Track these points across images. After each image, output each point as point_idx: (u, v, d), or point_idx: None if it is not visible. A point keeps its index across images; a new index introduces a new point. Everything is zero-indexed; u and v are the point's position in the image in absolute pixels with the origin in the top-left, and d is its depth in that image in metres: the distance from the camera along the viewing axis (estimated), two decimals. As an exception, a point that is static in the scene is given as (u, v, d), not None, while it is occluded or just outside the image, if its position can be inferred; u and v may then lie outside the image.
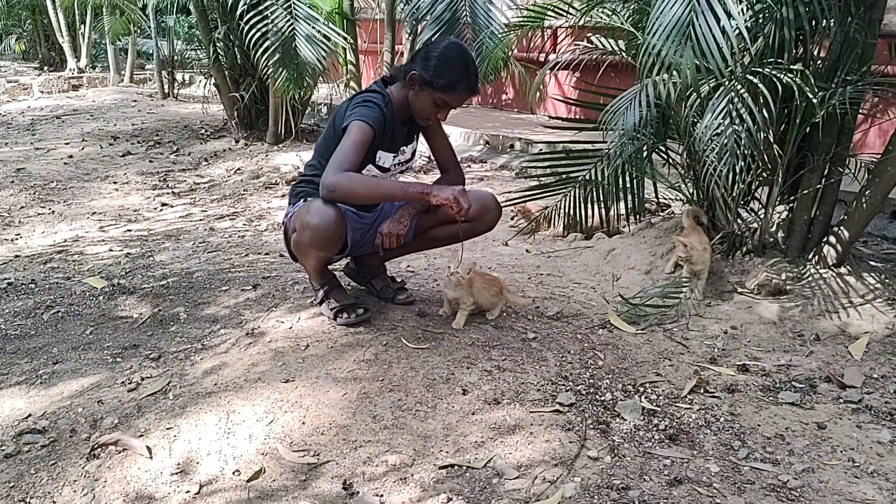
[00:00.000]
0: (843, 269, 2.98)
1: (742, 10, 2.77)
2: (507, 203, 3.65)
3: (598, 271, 3.43)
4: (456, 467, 1.93)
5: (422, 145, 2.85)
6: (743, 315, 2.88)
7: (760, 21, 2.88)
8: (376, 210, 2.80)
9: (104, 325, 2.85)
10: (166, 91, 9.82)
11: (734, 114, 2.69)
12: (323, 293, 2.77)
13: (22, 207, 5.07)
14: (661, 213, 4.05)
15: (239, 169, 6.09)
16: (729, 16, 2.46)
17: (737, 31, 2.52)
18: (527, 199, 3.70)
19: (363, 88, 2.72)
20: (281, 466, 1.94)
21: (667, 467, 1.94)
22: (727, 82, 2.71)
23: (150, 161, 6.50)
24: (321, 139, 2.72)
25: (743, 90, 2.72)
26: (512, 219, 4.09)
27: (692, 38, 2.46)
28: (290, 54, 5.59)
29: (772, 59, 2.81)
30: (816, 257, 3.03)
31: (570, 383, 2.38)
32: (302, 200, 2.67)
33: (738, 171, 2.72)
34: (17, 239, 4.32)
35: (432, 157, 2.90)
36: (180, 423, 2.13)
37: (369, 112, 2.49)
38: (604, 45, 3.56)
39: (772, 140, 2.91)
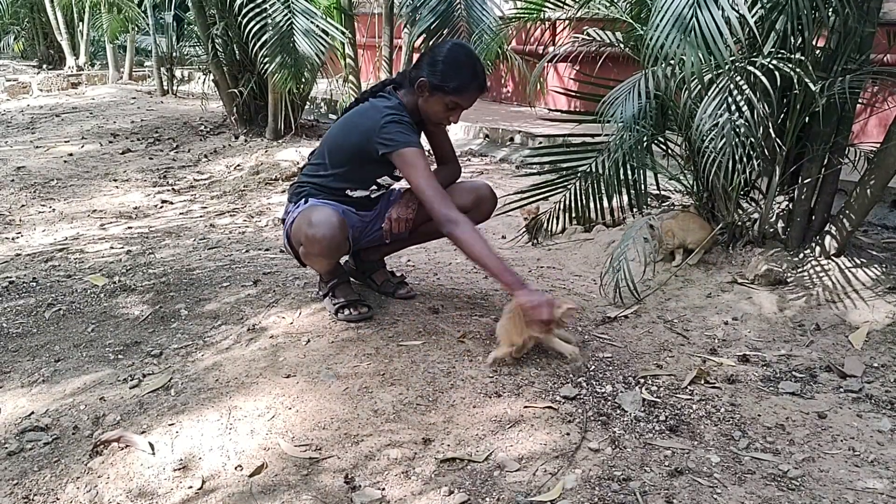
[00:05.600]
0: (843, 259, 2.97)
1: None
2: (511, 204, 3.64)
3: (599, 263, 3.43)
4: (457, 461, 1.94)
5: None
6: (743, 306, 2.89)
7: (762, 13, 2.87)
8: (376, 208, 2.81)
9: (105, 323, 2.85)
10: (165, 88, 9.80)
11: (732, 104, 2.69)
12: (329, 287, 2.77)
13: (22, 206, 5.07)
14: (662, 205, 4.04)
15: (239, 165, 6.09)
16: (734, 7, 2.45)
17: (746, 24, 2.51)
18: (530, 199, 3.69)
19: (375, 90, 2.70)
20: (283, 461, 1.95)
21: (667, 458, 1.95)
22: (726, 72, 2.70)
23: (150, 158, 6.50)
24: (331, 141, 2.69)
25: (741, 80, 2.72)
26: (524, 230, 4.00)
27: (695, 30, 2.45)
28: (289, 49, 5.58)
29: (771, 49, 2.80)
30: (817, 247, 3.02)
31: (571, 375, 2.38)
32: (303, 201, 2.68)
33: (737, 161, 2.72)
34: (17, 238, 4.33)
35: (431, 151, 2.91)
36: (182, 419, 2.14)
37: (412, 135, 2.52)
38: (602, 38, 3.55)
39: (771, 130, 2.90)
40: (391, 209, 2.74)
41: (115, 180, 5.83)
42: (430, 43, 5.09)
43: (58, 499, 1.87)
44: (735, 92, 2.70)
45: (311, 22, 5.67)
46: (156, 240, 4.14)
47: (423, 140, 2.84)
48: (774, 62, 2.69)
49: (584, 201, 3.52)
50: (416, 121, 2.64)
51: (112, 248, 3.97)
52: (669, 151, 3.43)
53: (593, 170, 3.44)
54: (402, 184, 2.85)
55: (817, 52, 2.93)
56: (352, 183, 2.69)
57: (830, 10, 2.71)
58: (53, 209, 5.01)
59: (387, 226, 2.73)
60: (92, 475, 1.93)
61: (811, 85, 2.63)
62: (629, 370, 2.44)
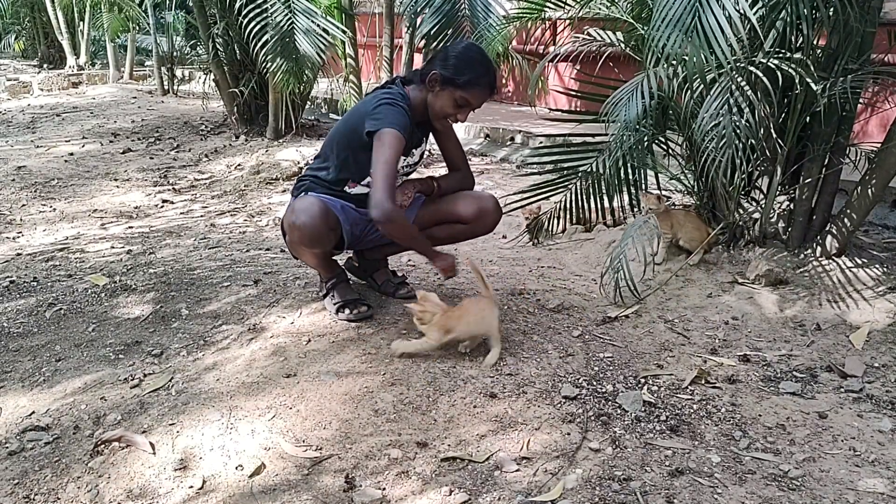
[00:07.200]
0: (844, 259, 2.97)
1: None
2: (511, 204, 3.64)
3: (599, 263, 3.42)
4: (458, 460, 1.94)
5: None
6: (744, 305, 2.88)
7: (763, 12, 2.86)
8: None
9: (106, 323, 2.85)
10: (166, 87, 9.80)
11: (734, 104, 2.68)
12: (328, 287, 2.77)
13: (23, 205, 5.07)
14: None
15: (239, 165, 6.09)
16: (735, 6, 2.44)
17: (748, 23, 2.50)
18: (531, 198, 3.69)
19: (384, 84, 2.69)
20: (283, 461, 1.95)
21: (668, 458, 1.95)
22: (727, 72, 2.70)
23: (151, 158, 6.50)
24: (333, 132, 2.70)
25: (742, 80, 2.72)
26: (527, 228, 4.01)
27: (697, 30, 2.45)
28: (290, 49, 5.59)
29: (772, 49, 2.80)
30: (817, 247, 3.02)
31: (572, 375, 2.38)
32: (302, 194, 2.68)
33: (737, 161, 2.71)
34: (18, 237, 4.33)
35: (441, 156, 2.90)
36: (183, 419, 2.14)
37: (400, 118, 2.48)
38: (602, 38, 3.55)
39: (772, 130, 2.90)
40: None
41: (116, 180, 5.83)
42: (434, 43, 5.10)
43: (58, 498, 1.87)
44: (736, 92, 2.70)
45: (312, 21, 5.68)
46: (156, 239, 4.14)
47: (432, 141, 2.84)
48: (775, 62, 2.69)
49: (584, 201, 3.52)
50: (422, 120, 2.63)
51: (113, 247, 3.97)
52: (670, 151, 3.43)
53: (594, 169, 3.44)
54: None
55: (818, 51, 2.93)
56: (348, 173, 2.67)
57: (831, 9, 2.71)
58: (54, 209, 5.01)
59: None
60: (93, 475, 1.93)
61: (812, 85, 2.63)
62: (630, 370, 2.44)
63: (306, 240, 2.57)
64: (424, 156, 2.89)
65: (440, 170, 2.97)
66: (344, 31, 6.40)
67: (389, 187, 2.38)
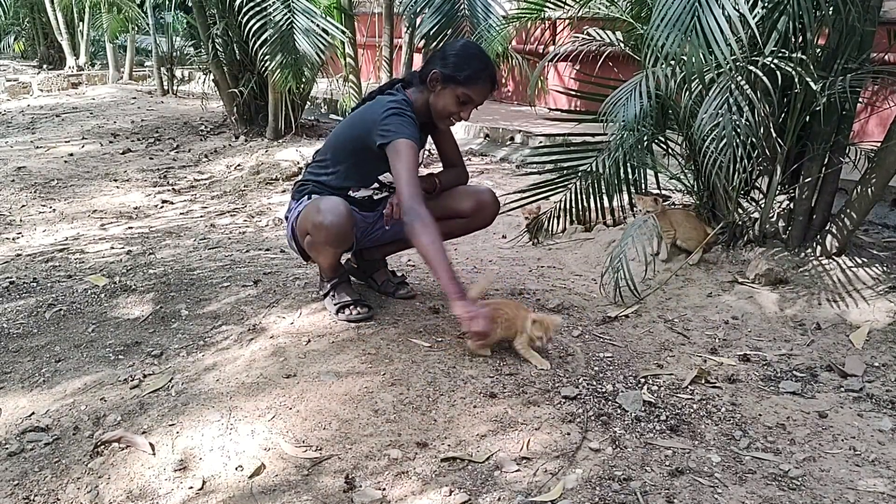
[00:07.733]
0: (843, 258, 2.97)
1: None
2: (511, 203, 3.64)
3: (599, 263, 3.42)
4: (458, 460, 1.94)
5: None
6: (744, 305, 2.88)
7: (763, 12, 2.86)
8: (378, 209, 2.80)
9: (106, 323, 2.85)
10: (165, 88, 9.80)
11: (733, 104, 2.68)
12: (330, 286, 2.77)
13: (23, 206, 5.07)
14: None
15: (239, 165, 6.09)
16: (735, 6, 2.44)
17: (747, 24, 2.50)
18: (531, 198, 3.69)
19: (383, 88, 2.70)
20: (283, 462, 1.95)
21: (668, 458, 1.95)
22: (727, 72, 2.70)
23: (151, 158, 6.50)
24: (335, 138, 2.71)
25: (742, 80, 2.72)
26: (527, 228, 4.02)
27: (696, 30, 2.45)
28: (289, 48, 5.59)
29: (772, 49, 2.80)
30: (817, 246, 3.02)
31: (572, 375, 2.38)
32: (306, 198, 2.68)
33: (737, 160, 2.71)
34: (18, 238, 4.33)
35: (437, 155, 2.91)
36: (183, 419, 2.14)
37: (410, 128, 2.49)
38: (602, 37, 3.55)
39: (772, 129, 2.90)
40: (394, 196, 2.73)
41: (116, 180, 5.83)
42: (434, 43, 5.10)
43: (58, 499, 1.87)
44: (736, 91, 2.70)
45: (312, 21, 5.68)
46: (156, 240, 4.14)
47: (430, 144, 2.84)
48: (775, 62, 2.69)
49: (584, 201, 3.52)
50: (424, 121, 2.63)
51: (112, 248, 3.97)
52: (670, 151, 3.43)
53: (594, 169, 3.44)
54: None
55: (818, 51, 2.93)
56: (354, 180, 2.69)
57: (832, 8, 2.71)
58: (54, 209, 5.01)
59: (388, 210, 2.71)
60: (92, 476, 1.93)
61: (812, 84, 2.63)
62: (630, 370, 2.44)
63: (332, 238, 2.56)
64: (424, 156, 2.90)
65: (437, 167, 2.96)
66: (343, 31, 6.40)
67: (417, 192, 2.39)
